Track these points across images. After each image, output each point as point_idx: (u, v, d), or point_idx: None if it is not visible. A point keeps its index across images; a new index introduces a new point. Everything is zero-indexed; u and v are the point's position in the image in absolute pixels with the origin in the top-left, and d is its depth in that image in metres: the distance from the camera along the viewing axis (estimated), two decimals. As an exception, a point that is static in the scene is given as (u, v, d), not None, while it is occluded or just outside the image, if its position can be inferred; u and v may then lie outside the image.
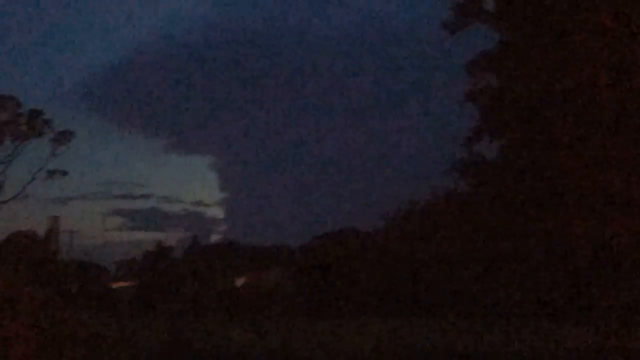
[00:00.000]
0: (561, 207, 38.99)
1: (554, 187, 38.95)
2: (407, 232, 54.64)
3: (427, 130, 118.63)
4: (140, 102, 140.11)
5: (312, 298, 58.57)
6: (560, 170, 38.77)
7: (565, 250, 38.12)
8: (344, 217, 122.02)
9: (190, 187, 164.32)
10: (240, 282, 71.41)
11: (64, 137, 68.80)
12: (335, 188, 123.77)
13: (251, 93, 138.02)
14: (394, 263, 53.74)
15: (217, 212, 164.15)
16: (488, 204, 42.96)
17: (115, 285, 79.91)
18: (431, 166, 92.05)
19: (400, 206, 61.02)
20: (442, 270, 49.21)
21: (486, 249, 43.54)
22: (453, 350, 22.77)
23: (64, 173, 70.06)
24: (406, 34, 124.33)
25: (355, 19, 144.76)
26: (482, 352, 22.34)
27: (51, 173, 69.12)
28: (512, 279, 42.85)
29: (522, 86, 35.80)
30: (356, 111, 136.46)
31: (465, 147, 45.26)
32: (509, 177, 41.15)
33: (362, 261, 57.97)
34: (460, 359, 21.09)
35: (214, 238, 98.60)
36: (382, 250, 55.81)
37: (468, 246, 45.78)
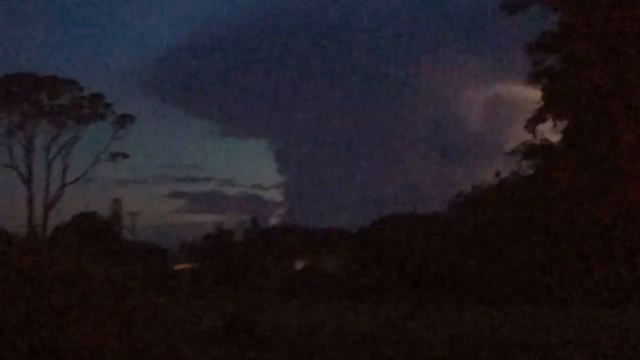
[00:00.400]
0: (626, 191, 38.02)
1: (617, 169, 38.03)
2: (469, 216, 53.66)
3: (489, 113, 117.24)
4: (199, 86, 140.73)
5: (372, 282, 58.03)
6: (622, 154, 37.84)
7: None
8: (404, 201, 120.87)
9: (249, 170, 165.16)
10: (299, 265, 71.39)
11: (125, 120, 70.06)
12: (396, 171, 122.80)
13: (310, 75, 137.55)
14: (456, 247, 52.83)
15: (276, 195, 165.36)
16: (551, 187, 42.24)
17: (177, 267, 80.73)
18: (494, 149, 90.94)
19: (462, 189, 60.28)
20: (508, 256, 48.25)
21: (553, 233, 42.74)
22: (522, 340, 22.12)
23: (125, 156, 71.46)
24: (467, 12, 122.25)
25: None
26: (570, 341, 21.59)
27: (113, 156, 70.58)
28: (583, 266, 41.80)
29: (584, 67, 34.93)
30: (417, 93, 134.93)
31: (529, 129, 44.66)
32: (572, 159, 40.35)
33: (424, 245, 57.23)
34: (536, 350, 20.44)
35: (273, 221, 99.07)
36: (444, 233, 54.99)
37: (534, 230, 45.04)
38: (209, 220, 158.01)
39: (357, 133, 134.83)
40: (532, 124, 43.50)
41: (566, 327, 25.74)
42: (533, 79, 41.22)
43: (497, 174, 50.80)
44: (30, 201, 66.95)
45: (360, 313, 37.95)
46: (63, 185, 68.49)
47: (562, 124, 43.51)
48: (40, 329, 8.98)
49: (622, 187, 37.61)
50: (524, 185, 44.97)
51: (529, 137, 44.40)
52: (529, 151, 44.61)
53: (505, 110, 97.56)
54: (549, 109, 43.03)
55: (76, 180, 69.65)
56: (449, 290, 50.76)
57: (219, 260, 73.37)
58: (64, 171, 68.47)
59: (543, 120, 43.84)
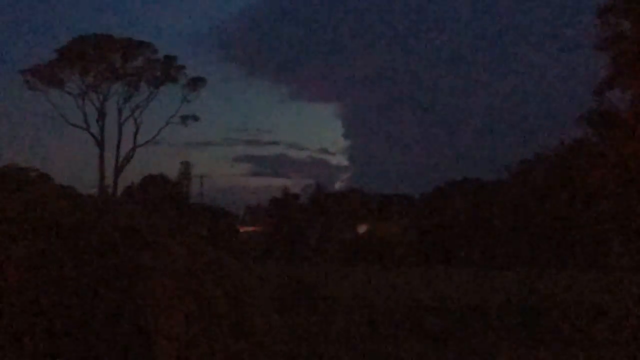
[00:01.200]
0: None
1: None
2: (532, 183, 53.46)
3: (555, 79, 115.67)
4: (269, 49, 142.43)
5: (434, 247, 58.43)
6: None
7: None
8: (467, 167, 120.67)
9: (316, 134, 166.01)
10: (362, 229, 71.80)
11: (196, 83, 70.87)
12: (460, 138, 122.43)
13: (378, 40, 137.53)
14: (520, 215, 52.73)
15: (342, 160, 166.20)
16: (617, 156, 41.85)
17: (242, 230, 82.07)
18: (559, 117, 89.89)
19: (526, 156, 59.90)
20: (568, 224, 48.09)
21: (616, 203, 42.41)
22: (581, 301, 22.19)
23: (196, 119, 72.15)
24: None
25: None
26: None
27: (184, 118, 71.29)
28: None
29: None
30: (482, 60, 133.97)
31: (596, 96, 44.18)
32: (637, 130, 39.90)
33: (487, 211, 57.23)
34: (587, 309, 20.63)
35: (338, 185, 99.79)
36: (507, 201, 54.82)
37: (594, 199, 44.68)
38: (274, 183, 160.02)
39: (424, 99, 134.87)
40: (600, 91, 43.06)
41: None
42: (603, 44, 40.76)
43: (562, 141, 50.53)
44: (101, 162, 68.28)
45: (421, 279, 38.17)
46: (134, 147, 69.43)
47: (630, 94, 43.04)
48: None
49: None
50: (588, 153, 44.63)
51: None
52: (595, 119, 44.18)
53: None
54: (617, 76, 42.53)
55: (147, 142, 70.42)
56: (511, 257, 50.90)
57: (284, 223, 74.27)
58: (136, 133, 69.31)
59: (611, 88, 43.35)
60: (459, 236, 58.44)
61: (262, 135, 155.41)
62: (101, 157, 67.98)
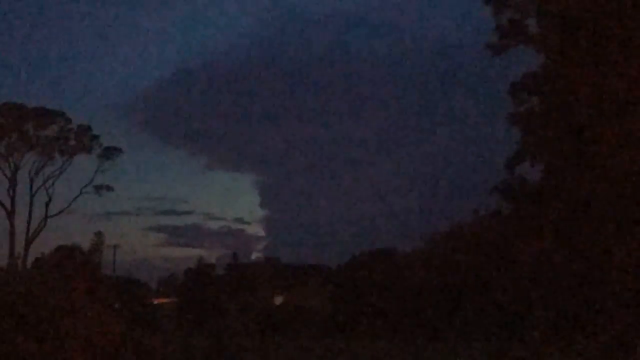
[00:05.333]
0: (601, 230, 38.38)
1: (596, 209, 38.42)
2: (448, 252, 53.96)
3: (467, 153, 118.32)
4: (185, 120, 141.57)
5: (350, 318, 58.10)
6: (602, 194, 38.25)
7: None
8: (383, 238, 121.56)
9: (232, 204, 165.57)
10: (279, 300, 71.50)
11: (111, 153, 69.96)
12: (375, 208, 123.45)
13: (295, 110, 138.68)
14: (435, 283, 53.04)
15: (258, 230, 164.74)
16: (531, 226, 42.59)
17: (156, 302, 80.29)
18: (472, 189, 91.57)
19: (440, 227, 60.58)
20: (484, 293, 48.56)
21: (530, 271, 42.95)
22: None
23: (110, 189, 71.05)
24: (453, 51, 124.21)
25: (401, 37, 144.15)
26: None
27: (98, 188, 70.23)
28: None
29: (566, 107, 35.65)
30: (401, 128, 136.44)
31: (507, 169, 45.16)
32: (550, 198, 40.82)
33: (402, 280, 57.37)
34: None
35: (255, 256, 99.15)
36: (423, 270, 55.18)
37: (512, 268, 45.10)
38: (190, 254, 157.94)
39: (340, 170, 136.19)
40: (511, 164, 44.07)
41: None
42: (514, 119, 41.91)
43: (475, 212, 51.34)
44: (12, 233, 66.32)
45: (337, 349, 37.95)
46: (46, 218, 67.88)
47: (540, 166, 43.99)
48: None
49: (597, 234, 37.92)
50: (499, 224, 45.53)
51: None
52: (506, 191, 45.11)
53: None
54: (527, 150, 43.62)
55: (60, 212, 69.01)
56: (423, 328, 51.00)
57: (199, 294, 72.83)
58: (48, 203, 67.92)
59: (521, 161, 44.40)
60: (374, 307, 58.20)
61: (178, 205, 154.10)
62: (11, 228, 65.92)
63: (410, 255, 60.16)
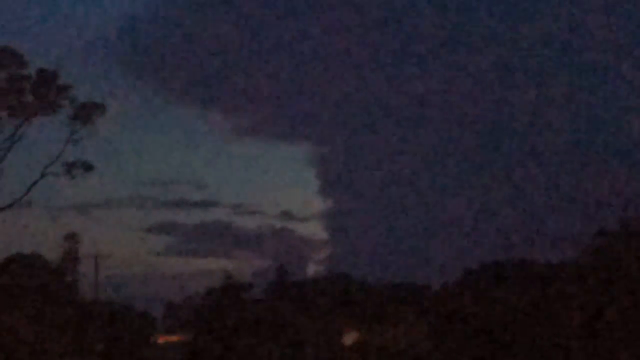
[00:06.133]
0: None
1: None
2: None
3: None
4: (198, 65, 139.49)
5: None
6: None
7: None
8: (499, 247, 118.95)
9: (276, 191, 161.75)
10: (350, 339, 70.20)
11: (90, 112, 67.48)
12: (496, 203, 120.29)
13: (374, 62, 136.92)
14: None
15: (316, 231, 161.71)
16: None
17: (162, 340, 78.77)
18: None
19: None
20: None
21: None
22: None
23: (88, 167, 68.60)
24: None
25: None
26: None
27: (69, 167, 67.75)
28: None
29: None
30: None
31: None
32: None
33: (551, 307, 55.35)
34: None
35: (312, 270, 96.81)
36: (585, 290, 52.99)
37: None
38: (212, 267, 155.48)
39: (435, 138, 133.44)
40: None
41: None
42: None
43: None
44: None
45: None
46: (-9, 212, 65.94)
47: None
48: None
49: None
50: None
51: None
52: None
53: None
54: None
55: (12, 204, 66.71)
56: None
57: (226, 329, 71.17)
58: (-6, 191, 65.86)
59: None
60: (499, 344, 56.32)
61: (193, 192, 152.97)
62: (-62, 229, 64.33)
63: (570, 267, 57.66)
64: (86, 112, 67.39)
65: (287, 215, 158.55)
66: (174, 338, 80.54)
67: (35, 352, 19.55)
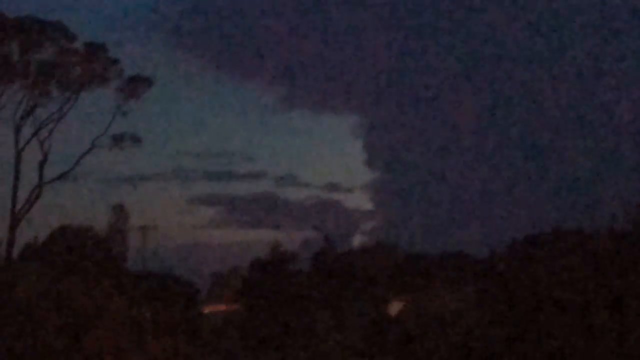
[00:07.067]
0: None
1: None
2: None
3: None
4: (248, 36, 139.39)
5: (517, 335, 55.67)
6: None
7: None
8: (550, 216, 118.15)
9: (322, 162, 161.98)
10: (396, 307, 70.22)
11: (137, 86, 68.15)
12: (539, 174, 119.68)
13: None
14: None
15: (363, 202, 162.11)
16: None
17: (207, 310, 79.52)
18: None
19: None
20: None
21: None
22: None
23: (136, 140, 69.28)
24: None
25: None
26: None
27: (117, 139, 68.57)
28: None
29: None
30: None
31: None
32: None
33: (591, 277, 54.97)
34: None
35: (358, 240, 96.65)
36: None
37: None
38: (258, 238, 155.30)
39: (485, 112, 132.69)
40: None
41: None
42: None
43: None
44: (-10, 208, 65.45)
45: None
46: (40, 185, 66.45)
47: None
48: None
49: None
50: None
51: None
52: None
53: None
54: None
55: (61, 177, 67.60)
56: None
57: (272, 300, 71.59)
58: (43, 163, 66.45)
59: None
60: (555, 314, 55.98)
61: (239, 164, 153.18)
62: (-11, 200, 64.87)
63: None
64: (133, 85, 68.19)
65: (333, 186, 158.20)
66: (220, 308, 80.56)
67: (89, 319, 19.85)
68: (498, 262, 66.17)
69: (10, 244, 64.74)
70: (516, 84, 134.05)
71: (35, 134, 66.12)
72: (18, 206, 65.53)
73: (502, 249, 70.26)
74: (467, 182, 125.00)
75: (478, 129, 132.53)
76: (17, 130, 65.65)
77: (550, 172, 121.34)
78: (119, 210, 79.63)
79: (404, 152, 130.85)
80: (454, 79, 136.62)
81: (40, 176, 66.40)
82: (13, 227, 65.33)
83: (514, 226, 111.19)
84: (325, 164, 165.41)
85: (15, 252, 65.46)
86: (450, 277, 70.17)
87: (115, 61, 67.87)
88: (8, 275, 53.98)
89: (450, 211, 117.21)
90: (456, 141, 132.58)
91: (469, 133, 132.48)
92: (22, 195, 65.88)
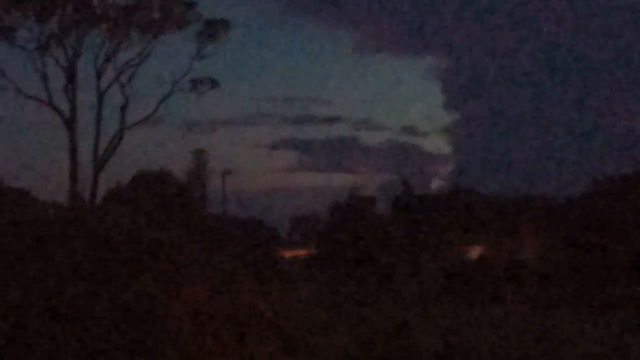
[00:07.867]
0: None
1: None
2: None
3: None
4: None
5: (597, 277, 55.34)
6: None
7: None
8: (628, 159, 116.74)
9: (399, 105, 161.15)
10: (475, 252, 70.08)
11: (216, 29, 67.93)
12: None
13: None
14: None
15: (440, 145, 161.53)
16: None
17: (288, 255, 80.00)
18: None
19: None
20: None
21: None
22: None
23: (215, 83, 69.23)
24: None
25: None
26: None
27: (196, 84, 68.40)
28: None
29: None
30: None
31: None
32: None
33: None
34: None
35: (436, 184, 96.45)
36: None
37: None
38: (336, 182, 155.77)
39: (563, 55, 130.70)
40: None
41: None
42: None
43: None
44: (73, 152, 65.46)
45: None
46: (122, 130, 66.52)
47: None
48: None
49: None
50: None
51: None
52: None
53: None
54: None
55: (142, 121, 67.57)
56: None
57: (351, 243, 71.40)
58: (124, 108, 66.40)
59: None
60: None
61: (317, 108, 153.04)
62: (72, 144, 64.99)
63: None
64: (212, 29, 67.91)
65: (411, 129, 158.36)
66: (300, 252, 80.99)
67: (172, 256, 20.09)
68: (579, 206, 65.78)
69: (94, 190, 65.27)
70: (600, 31, 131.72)
71: (116, 78, 66.35)
72: (99, 152, 66.07)
73: (581, 191, 70.15)
74: (546, 125, 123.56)
75: (558, 73, 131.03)
76: (99, 75, 66.07)
77: (630, 115, 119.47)
78: (200, 155, 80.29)
79: (482, 95, 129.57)
80: (537, 24, 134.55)
81: (122, 121, 66.59)
82: (97, 173, 65.75)
83: (592, 168, 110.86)
84: (403, 107, 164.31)
85: (99, 197, 65.94)
86: (530, 222, 69.78)
87: (193, 4, 67.87)
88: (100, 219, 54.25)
89: (528, 153, 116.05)
90: (535, 84, 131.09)
91: (548, 76, 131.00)
92: (103, 141, 66.35)
